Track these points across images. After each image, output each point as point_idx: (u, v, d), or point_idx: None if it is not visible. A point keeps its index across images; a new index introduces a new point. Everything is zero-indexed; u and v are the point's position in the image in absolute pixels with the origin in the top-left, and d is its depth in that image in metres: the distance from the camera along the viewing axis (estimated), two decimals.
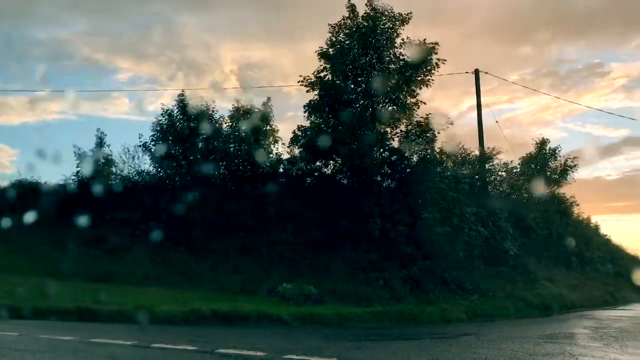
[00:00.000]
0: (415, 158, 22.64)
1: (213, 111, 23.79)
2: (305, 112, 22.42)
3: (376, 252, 19.96)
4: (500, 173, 29.70)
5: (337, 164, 22.23)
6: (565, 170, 30.53)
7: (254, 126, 23.34)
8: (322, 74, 22.34)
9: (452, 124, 22.46)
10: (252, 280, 18.72)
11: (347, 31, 21.99)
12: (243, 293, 17.80)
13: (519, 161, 30.29)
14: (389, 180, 22.25)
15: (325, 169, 22.54)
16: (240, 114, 23.82)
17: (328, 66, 22.29)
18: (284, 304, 16.47)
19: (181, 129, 23.20)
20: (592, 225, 36.70)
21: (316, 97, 22.34)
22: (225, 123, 23.91)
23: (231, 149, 23.27)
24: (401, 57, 21.95)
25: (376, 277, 18.95)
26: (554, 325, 16.59)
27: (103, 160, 24.14)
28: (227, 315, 14.36)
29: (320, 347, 10.86)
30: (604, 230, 39.34)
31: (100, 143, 23.90)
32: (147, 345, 10.17)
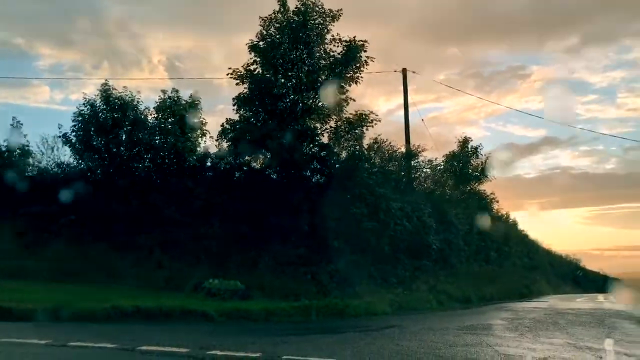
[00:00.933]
0: (344, 154, 22.88)
1: (138, 102, 23.12)
2: (234, 105, 22.16)
3: (304, 247, 20.02)
4: (425, 170, 30.54)
5: (267, 159, 22.10)
6: (485, 168, 31.64)
7: (181, 118, 22.84)
8: (252, 67, 22.14)
9: (379, 121, 22.81)
10: (177, 276, 18.37)
11: (277, 25, 21.90)
12: (168, 289, 17.45)
13: (443, 158, 31.23)
14: (318, 176, 22.37)
15: (254, 164, 22.37)
16: (166, 105, 23.22)
17: (258, 59, 22.12)
18: (210, 300, 16.26)
19: (104, 120, 22.37)
20: (510, 221, 38.35)
21: (246, 90, 22.11)
22: (151, 114, 23.26)
23: (156, 141, 22.66)
24: (331, 54, 22.08)
25: (304, 272, 19.04)
26: (473, 317, 17.22)
27: (18, 151, 22.92)
28: (150, 311, 14.01)
29: (246, 343, 10.78)
30: (521, 226, 41.23)
31: (15, 133, 22.68)
32: (64, 343, 9.76)
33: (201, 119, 23.67)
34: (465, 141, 31.54)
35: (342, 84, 22.03)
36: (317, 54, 21.95)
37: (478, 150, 31.61)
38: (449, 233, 26.16)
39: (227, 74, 22.02)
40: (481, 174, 31.71)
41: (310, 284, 18.52)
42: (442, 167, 31.20)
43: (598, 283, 49.67)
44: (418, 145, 28.55)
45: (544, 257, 43.79)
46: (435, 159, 31.00)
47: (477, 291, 24.76)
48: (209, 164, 22.94)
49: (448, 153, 31.52)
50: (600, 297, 28.88)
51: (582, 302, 24.29)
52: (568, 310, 19.48)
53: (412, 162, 27.31)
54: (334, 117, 22.44)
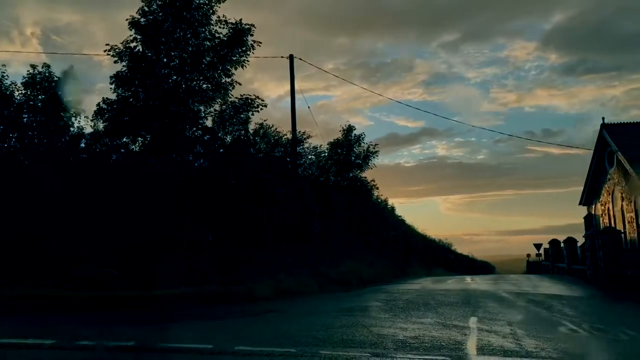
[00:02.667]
0: (229, 138, 22.55)
1: (3, 76, 21.18)
2: (111, 84, 20.99)
3: (187, 233, 19.52)
4: (310, 156, 31.05)
5: (146, 141, 21.24)
6: (368, 156, 32.66)
7: (53, 96, 21.26)
8: (132, 45, 21.08)
9: (266, 106, 22.73)
10: (50, 265, 17.22)
11: (160, 2, 20.97)
12: (37, 278, 16.29)
13: (327, 146, 31.86)
14: (202, 160, 21.88)
15: (133, 146, 21.40)
16: (36, 81, 21.49)
17: (139, 37, 21.09)
18: (83, 288, 15.42)
19: None
20: (389, 207, 40.03)
21: (125, 68, 21.03)
22: (18, 91, 21.41)
23: (24, 119, 20.94)
24: (217, 35, 21.59)
25: (185, 258, 18.58)
26: (351, 299, 17.77)
27: None
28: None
29: (120, 332, 10.35)
30: (399, 211, 43.11)
31: None
32: None
33: (77, 97, 22.18)
34: (349, 130, 32.36)
35: (228, 67, 21.65)
36: (202, 35, 21.37)
37: (361, 138, 32.58)
38: (332, 219, 26.78)
39: (104, 50, 20.85)
40: (363, 162, 32.71)
41: (190, 271, 18.12)
42: (326, 154, 31.87)
43: (467, 265, 53.33)
44: (304, 132, 29.05)
45: (419, 241, 46.22)
46: (320, 146, 31.79)
47: (357, 274, 25.59)
48: (83, 145, 21.59)
49: (332, 141, 32.21)
50: (468, 278, 30.93)
51: (451, 283, 25.89)
52: (438, 291, 20.68)
53: (298, 148, 27.60)
54: (218, 100, 22.03)
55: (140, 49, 21.14)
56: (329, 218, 26.51)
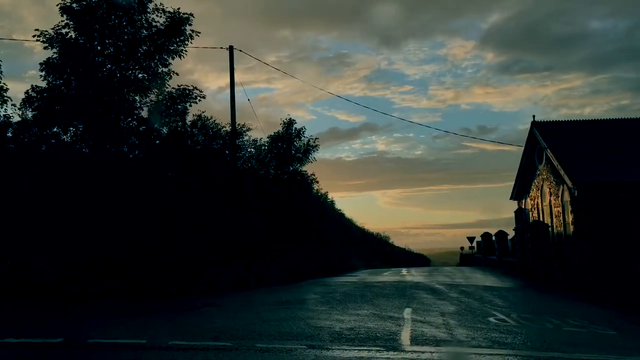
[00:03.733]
0: (165, 130, 22.06)
1: None
2: (41, 71, 20.04)
3: (118, 224, 18.93)
4: (249, 149, 30.74)
5: (79, 131, 20.46)
6: (308, 150, 32.64)
7: None
8: (64, 31, 20.20)
9: (204, 97, 22.33)
10: None
11: None
12: None
13: (268, 139, 31.61)
14: (137, 151, 21.30)
15: (65, 136, 20.56)
16: None
17: (72, 23, 20.25)
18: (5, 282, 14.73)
19: None
20: (329, 201, 40.30)
21: (56, 55, 20.15)
22: None
23: None
24: (154, 24, 21.02)
25: (119, 247, 17.98)
26: (289, 292, 17.81)
27: None
28: None
29: (45, 328, 9.95)
30: (339, 205, 43.53)
31: None
32: None
33: (1, 84, 21.03)
34: (289, 123, 32.16)
35: (165, 57, 21.15)
36: (138, 23, 20.75)
37: (302, 132, 32.41)
38: (272, 212, 26.67)
39: (34, 37, 19.90)
40: (304, 156, 32.62)
41: (124, 265, 17.62)
42: (266, 147, 31.63)
43: (404, 258, 54.44)
44: (243, 125, 28.68)
45: (358, 234, 46.83)
46: (260, 139, 31.49)
47: (296, 268, 25.64)
48: (9, 134, 20.54)
49: (273, 134, 31.94)
50: (404, 270, 31.62)
51: (388, 275, 26.39)
52: (375, 283, 21.03)
53: (237, 141, 27.26)
54: (155, 90, 21.47)
55: (73, 36, 20.31)
56: (268, 212, 26.40)
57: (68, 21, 20.20)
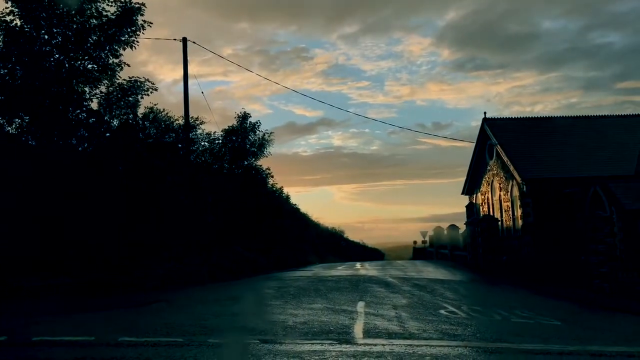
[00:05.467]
0: (116, 122, 21.58)
1: None
2: None
3: (68, 220, 18.44)
4: (203, 143, 30.43)
5: (25, 123, 19.77)
6: (263, 144, 32.52)
7: None
8: (8, 18, 19.45)
9: (156, 89, 21.91)
10: None
11: None
12: None
13: (222, 133, 31.31)
14: (86, 144, 20.75)
15: (9, 128, 19.83)
16: None
17: (17, 10, 19.51)
18: None
19: None
20: (284, 195, 40.24)
21: (0, 43, 19.38)
22: None
23: None
24: (104, 14, 20.47)
25: (69, 242, 17.52)
26: (243, 287, 17.76)
27: None
28: None
29: None
30: (295, 200, 43.52)
31: None
32: None
33: None
34: (244, 117, 31.98)
35: (116, 47, 20.63)
36: (88, 12, 20.16)
37: (257, 126, 32.27)
38: (226, 207, 26.49)
39: None
40: (259, 150, 32.49)
41: (74, 260, 17.17)
42: (220, 141, 31.35)
43: (358, 252, 54.92)
44: (197, 118, 28.33)
45: (312, 229, 46.98)
46: (214, 132, 31.19)
47: (250, 263, 25.58)
48: None
49: (227, 128, 31.70)
50: (358, 264, 31.92)
51: (342, 269, 26.60)
52: (329, 277, 21.16)
53: (191, 135, 26.91)
54: (105, 82, 20.95)
55: (19, 24, 19.58)
56: (222, 206, 26.21)
57: (13, 8, 19.45)
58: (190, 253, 21.42)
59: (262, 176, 33.13)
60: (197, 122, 28.38)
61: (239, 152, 31.55)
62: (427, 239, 43.94)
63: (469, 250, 28.19)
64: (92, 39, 20.28)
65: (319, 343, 8.33)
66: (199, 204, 23.41)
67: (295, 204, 45.16)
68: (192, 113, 26.49)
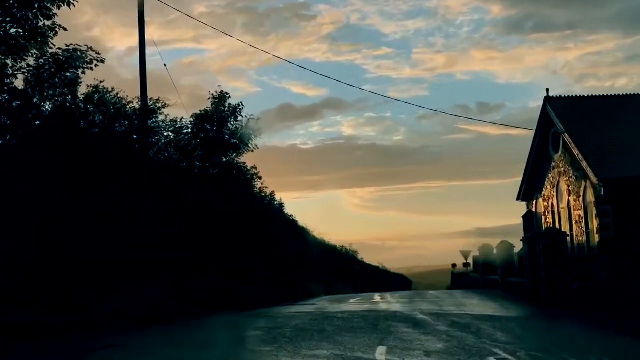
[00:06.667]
0: (48, 106, 21.75)
1: None
2: None
3: None
4: (167, 133, 30.37)
5: None
6: (247, 135, 32.28)
7: None
8: None
9: (103, 61, 22.04)
10: None
11: None
12: None
13: (192, 119, 31.21)
14: (7, 136, 20.91)
15: None
16: None
17: None
18: None
19: None
20: (276, 203, 40.25)
21: None
22: None
23: None
24: None
25: None
26: (222, 326, 17.83)
27: None
28: None
29: None
30: (291, 210, 43.60)
31: None
32: None
33: None
34: (221, 98, 31.71)
35: (48, 6, 20.71)
36: None
37: (238, 110, 32.08)
38: (197, 217, 26.51)
39: None
40: (241, 143, 32.29)
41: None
42: (190, 130, 31.22)
43: (377, 279, 55.06)
44: (158, 99, 28.29)
45: (315, 249, 47.02)
46: (182, 119, 30.97)
47: (232, 292, 25.61)
48: None
49: (199, 112, 31.50)
50: (377, 296, 31.90)
51: (355, 303, 26.60)
52: (338, 313, 21.19)
53: (150, 122, 26.98)
54: (34, 52, 21.07)
55: None
56: (193, 216, 26.26)
57: None
58: (154, 279, 21.48)
59: (246, 177, 33.16)
60: (159, 106, 28.45)
61: (215, 145, 31.40)
62: (470, 261, 43.87)
63: (528, 276, 28.16)
64: None
65: None
66: (161, 216, 23.45)
67: (292, 215, 45.21)
68: (152, 93, 26.35)
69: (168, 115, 29.86)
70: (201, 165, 31.50)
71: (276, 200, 40.29)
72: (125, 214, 21.61)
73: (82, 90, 23.77)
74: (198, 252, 25.84)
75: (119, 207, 21.37)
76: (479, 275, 39.70)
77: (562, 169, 30.67)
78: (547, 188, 32.82)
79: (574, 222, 29.78)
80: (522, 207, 35.93)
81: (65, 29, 21.36)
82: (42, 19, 20.78)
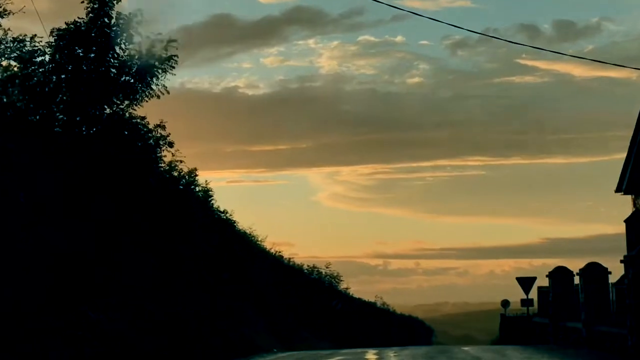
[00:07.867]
0: None
1: None
2: None
3: None
4: (4, 62, 30.80)
5: None
6: (151, 68, 31.93)
7: None
8: None
9: None
10: None
11: None
12: None
13: (53, 38, 31.20)
14: None
15: None
16: None
17: None
18: None
19: None
20: (198, 191, 40.12)
21: None
22: None
23: None
24: None
25: None
26: None
27: None
28: None
29: None
30: (222, 200, 43.32)
31: None
32: None
33: None
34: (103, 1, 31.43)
35: None
36: None
37: (136, 23, 31.91)
38: (64, 207, 26.16)
39: None
40: (139, 81, 32.03)
41: None
42: (49, 58, 30.89)
43: (373, 324, 54.87)
44: None
45: (264, 272, 46.75)
46: (34, 37, 30.59)
47: (121, 345, 24.94)
48: None
49: (65, 27, 31.10)
50: (371, 353, 31.45)
51: None
52: None
53: None
54: None
55: None
56: (56, 214, 25.77)
57: None
58: None
59: (145, 142, 32.61)
60: None
61: (94, 85, 30.90)
62: (533, 296, 43.91)
63: (632, 324, 27.71)
64: None
65: None
66: None
67: (226, 212, 45.18)
68: None
69: (9, 30, 29.48)
70: (67, 120, 30.86)
71: (198, 185, 40.12)
72: None
73: None
74: (62, 274, 25.44)
75: None
76: (548, 320, 39.48)
77: None
78: None
79: None
80: (624, 205, 35.49)
81: None
82: None
